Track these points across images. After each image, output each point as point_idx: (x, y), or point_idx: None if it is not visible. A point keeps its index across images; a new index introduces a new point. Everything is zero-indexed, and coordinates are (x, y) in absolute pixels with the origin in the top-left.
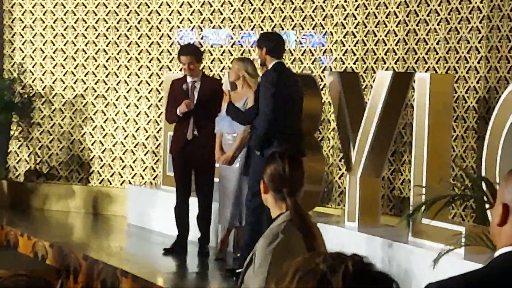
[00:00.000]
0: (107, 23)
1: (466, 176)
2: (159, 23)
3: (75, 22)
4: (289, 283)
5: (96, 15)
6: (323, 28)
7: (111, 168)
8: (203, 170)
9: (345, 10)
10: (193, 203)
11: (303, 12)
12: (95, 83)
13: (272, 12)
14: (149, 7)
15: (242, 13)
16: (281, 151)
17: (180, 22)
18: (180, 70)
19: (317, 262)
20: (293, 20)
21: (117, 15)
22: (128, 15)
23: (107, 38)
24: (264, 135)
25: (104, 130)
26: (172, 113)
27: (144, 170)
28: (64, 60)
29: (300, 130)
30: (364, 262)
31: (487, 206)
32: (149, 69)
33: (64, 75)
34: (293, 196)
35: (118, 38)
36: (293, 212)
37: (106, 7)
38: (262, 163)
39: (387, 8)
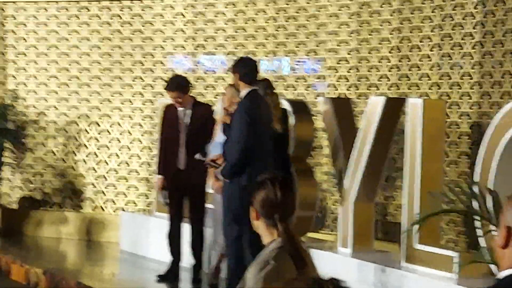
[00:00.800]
0: (101, 49)
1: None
2: (153, 49)
3: (68, 49)
4: None
5: (90, 41)
6: (317, 54)
7: (104, 195)
8: (195, 196)
9: (338, 36)
10: (186, 229)
11: (296, 38)
12: (89, 110)
13: (266, 39)
14: (143, 34)
15: (235, 39)
16: (272, 177)
17: (174, 49)
18: None
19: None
20: (286, 46)
21: (111, 41)
22: (122, 41)
23: (100, 64)
24: (235, 165)
25: (97, 156)
26: (160, 155)
27: (137, 197)
28: (58, 86)
29: (270, 160)
30: (342, 286)
31: (478, 229)
32: (143, 96)
33: (57, 101)
34: (285, 222)
35: (112, 65)
36: (285, 238)
37: (100, 34)
38: (234, 190)
39: (380, 34)
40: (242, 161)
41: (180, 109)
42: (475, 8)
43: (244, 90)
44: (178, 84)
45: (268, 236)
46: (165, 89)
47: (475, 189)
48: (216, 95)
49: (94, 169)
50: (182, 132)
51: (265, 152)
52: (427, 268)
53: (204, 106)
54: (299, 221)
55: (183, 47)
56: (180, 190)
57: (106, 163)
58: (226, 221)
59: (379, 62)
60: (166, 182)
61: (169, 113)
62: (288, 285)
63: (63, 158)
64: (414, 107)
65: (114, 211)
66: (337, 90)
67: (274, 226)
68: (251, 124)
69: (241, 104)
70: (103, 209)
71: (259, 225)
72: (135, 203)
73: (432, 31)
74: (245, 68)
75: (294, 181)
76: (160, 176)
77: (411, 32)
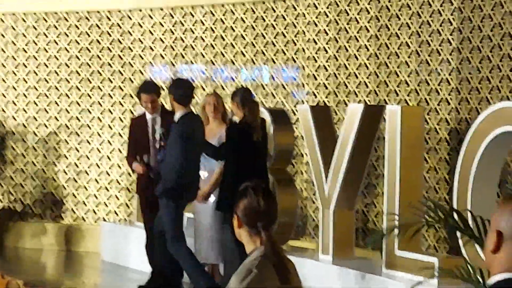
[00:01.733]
0: (79, 59)
1: (438, 207)
2: (132, 59)
3: (47, 59)
4: None
5: (68, 52)
6: (295, 62)
7: (85, 205)
8: None
9: (316, 44)
10: None
11: (274, 46)
12: (68, 120)
13: (244, 47)
14: (121, 44)
15: (214, 48)
16: (254, 185)
17: (153, 58)
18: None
19: None
20: (265, 55)
21: (90, 51)
22: (100, 51)
23: (79, 75)
24: (172, 188)
25: (77, 167)
26: (130, 160)
27: (118, 207)
28: (37, 97)
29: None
30: None
31: (459, 236)
32: (122, 106)
33: (37, 112)
34: (268, 230)
35: (90, 75)
36: (268, 246)
37: (78, 44)
38: (170, 209)
39: (357, 41)
40: (177, 183)
41: (149, 117)
42: (451, 14)
43: (179, 112)
44: (153, 87)
45: (251, 244)
46: (139, 93)
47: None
48: (196, 103)
49: (74, 179)
50: (152, 140)
51: (198, 172)
52: (408, 274)
53: (172, 113)
54: (280, 229)
55: (162, 57)
56: (154, 199)
57: (87, 173)
58: (168, 239)
59: (357, 69)
60: (141, 193)
61: (139, 123)
62: None
63: (43, 169)
64: (392, 114)
65: (95, 222)
66: (316, 97)
67: (257, 234)
68: (184, 148)
69: (175, 127)
70: (84, 220)
71: (242, 233)
72: (116, 213)
73: (409, 37)
74: (180, 89)
75: (273, 189)
76: (135, 163)
77: (388, 39)
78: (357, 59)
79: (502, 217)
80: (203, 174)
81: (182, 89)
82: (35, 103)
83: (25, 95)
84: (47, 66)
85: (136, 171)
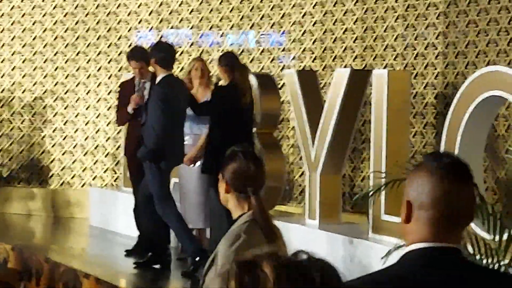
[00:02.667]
0: (65, 25)
1: None
2: (117, 24)
3: (32, 24)
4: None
5: (53, 17)
6: (281, 27)
7: (72, 171)
8: None
9: (302, 8)
10: None
11: (261, 11)
12: (54, 85)
13: (230, 12)
14: (106, 9)
15: (200, 13)
16: (243, 149)
17: (139, 23)
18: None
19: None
20: (251, 20)
21: (75, 17)
22: (86, 16)
23: (65, 40)
24: (152, 151)
25: (64, 132)
26: (122, 113)
27: (104, 172)
28: (23, 62)
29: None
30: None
31: None
32: (108, 71)
33: (22, 77)
34: (257, 195)
35: (76, 40)
36: (257, 211)
37: (64, 9)
38: (154, 171)
39: (344, 6)
40: (159, 147)
41: (137, 82)
42: None
43: (160, 75)
44: (142, 54)
45: (239, 210)
46: (128, 59)
47: None
48: (182, 69)
49: (61, 144)
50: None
51: (181, 135)
52: (394, 238)
53: None
54: (267, 194)
55: (148, 22)
56: (141, 163)
57: (73, 138)
58: (157, 202)
59: (344, 34)
60: (129, 155)
61: (127, 87)
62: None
63: (29, 134)
64: (379, 78)
65: (81, 186)
66: (302, 62)
67: (246, 199)
68: (165, 111)
69: (155, 90)
70: (70, 185)
71: (229, 198)
72: (102, 178)
73: (396, 1)
74: (161, 52)
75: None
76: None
77: (375, 3)
78: (343, 23)
79: (411, 187)
80: (187, 139)
81: (164, 52)
82: (21, 68)
83: (10, 61)
84: (32, 32)
85: (133, 102)
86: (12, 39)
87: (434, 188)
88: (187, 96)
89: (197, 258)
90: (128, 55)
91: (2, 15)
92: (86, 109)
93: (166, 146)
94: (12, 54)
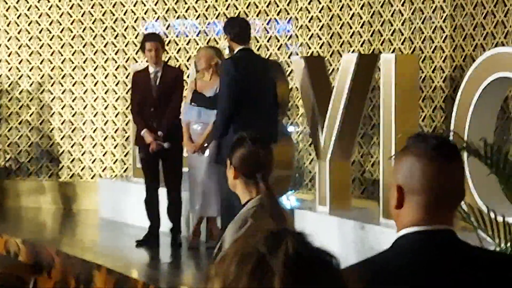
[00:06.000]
0: (71, 16)
1: None
2: (124, 14)
3: (39, 17)
4: (228, 265)
5: (60, 9)
6: (288, 13)
7: (81, 162)
8: (170, 160)
9: None
10: (163, 193)
11: None
12: (62, 77)
13: (237, 0)
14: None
15: (206, 1)
16: (252, 135)
17: (145, 13)
18: (147, 61)
19: (256, 243)
20: (257, 7)
21: (81, 8)
22: (92, 7)
23: (72, 32)
24: (221, 125)
25: (72, 124)
26: (136, 118)
27: (114, 163)
28: (30, 55)
29: (269, 115)
30: (305, 240)
31: None
32: (116, 62)
33: (30, 70)
34: (266, 180)
35: (83, 31)
36: (265, 196)
37: (70, 1)
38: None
39: None
40: (227, 122)
41: (151, 70)
42: None
43: (236, 50)
44: (159, 36)
45: (247, 195)
46: (143, 40)
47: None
48: (189, 58)
49: (69, 136)
50: (153, 94)
51: (253, 111)
52: None
53: (174, 68)
54: (277, 181)
55: (154, 11)
56: (154, 154)
57: (82, 130)
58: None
59: (351, 19)
60: (140, 145)
61: (140, 77)
62: (248, 241)
63: (38, 126)
64: (387, 63)
65: (91, 178)
66: (310, 49)
67: (254, 185)
68: (231, 85)
69: (224, 64)
70: (80, 177)
71: (238, 184)
72: (112, 169)
73: None
74: (234, 28)
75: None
76: (145, 130)
77: None
78: (350, 8)
79: (400, 171)
80: (196, 127)
81: (237, 28)
82: (28, 61)
83: (18, 53)
84: (39, 24)
85: (145, 140)
86: (19, 32)
87: (424, 171)
88: (264, 73)
89: None
90: (145, 37)
91: (8, 8)
92: (94, 100)
93: (234, 122)
94: (19, 47)
